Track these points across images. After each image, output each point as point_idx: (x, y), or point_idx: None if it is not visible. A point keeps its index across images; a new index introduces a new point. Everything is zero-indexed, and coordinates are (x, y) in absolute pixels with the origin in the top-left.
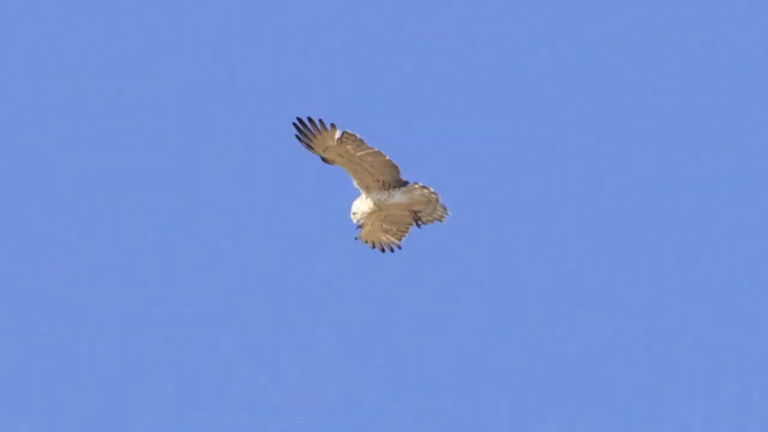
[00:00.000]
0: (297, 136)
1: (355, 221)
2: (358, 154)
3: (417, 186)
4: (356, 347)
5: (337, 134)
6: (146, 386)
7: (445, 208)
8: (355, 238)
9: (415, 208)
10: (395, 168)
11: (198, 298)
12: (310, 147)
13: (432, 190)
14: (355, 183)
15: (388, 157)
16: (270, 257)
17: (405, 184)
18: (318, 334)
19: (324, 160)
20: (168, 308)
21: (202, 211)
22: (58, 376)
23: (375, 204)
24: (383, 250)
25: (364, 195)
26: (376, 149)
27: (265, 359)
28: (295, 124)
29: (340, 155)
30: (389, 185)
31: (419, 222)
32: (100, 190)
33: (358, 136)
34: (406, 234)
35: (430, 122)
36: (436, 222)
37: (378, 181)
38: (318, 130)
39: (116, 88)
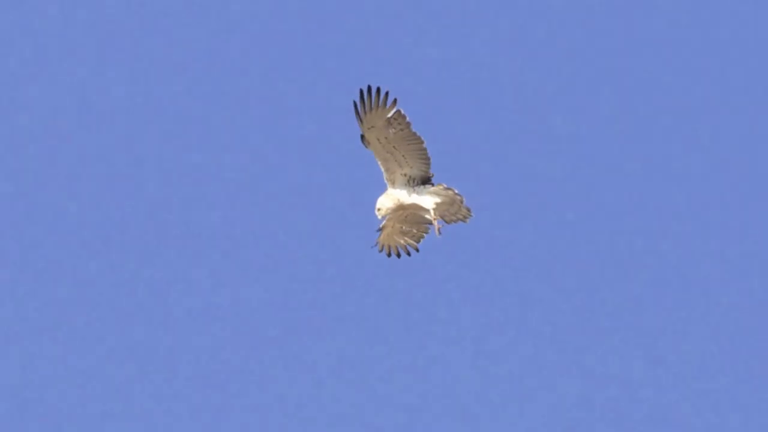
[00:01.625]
0: (355, 104)
1: (379, 217)
2: (397, 138)
3: (441, 187)
4: (373, 350)
5: (391, 112)
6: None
7: (468, 210)
8: (372, 247)
9: (438, 211)
10: (426, 162)
11: (208, 299)
12: (360, 120)
13: (456, 191)
14: (384, 175)
15: (424, 145)
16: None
17: (429, 180)
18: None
19: (362, 139)
20: (178, 317)
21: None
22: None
23: (399, 199)
24: (399, 255)
25: (389, 189)
26: (418, 134)
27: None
28: (361, 90)
29: (379, 140)
30: (415, 181)
31: (440, 230)
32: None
33: (407, 118)
34: (425, 236)
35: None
36: (460, 222)
37: (405, 175)
38: (377, 103)
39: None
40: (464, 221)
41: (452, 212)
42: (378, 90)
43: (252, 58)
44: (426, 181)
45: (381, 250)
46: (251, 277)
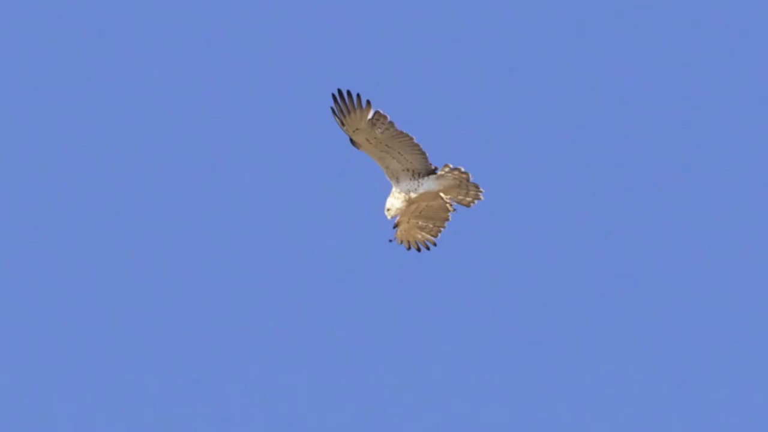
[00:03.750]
0: (332, 109)
1: (389, 217)
2: (387, 137)
3: (447, 169)
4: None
5: (370, 114)
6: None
7: (477, 187)
8: (390, 240)
9: (447, 196)
10: (423, 155)
11: (217, 295)
12: (342, 124)
13: (463, 170)
14: (385, 174)
15: (415, 141)
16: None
17: (434, 171)
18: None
19: (352, 142)
20: (192, 311)
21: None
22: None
23: (406, 195)
24: (419, 249)
25: (395, 189)
26: (405, 132)
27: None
28: (333, 96)
29: (368, 140)
30: (418, 174)
31: (453, 207)
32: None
33: (388, 118)
34: (442, 230)
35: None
36: (476, 201)
37: (407, 170)
38: (353, 106)
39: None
40: (478, 198)
41: (462, 195)
42: (349, 93)
43: (247, 59)
44: (430, 173)
45: (400, 243)
46: (254, 277)
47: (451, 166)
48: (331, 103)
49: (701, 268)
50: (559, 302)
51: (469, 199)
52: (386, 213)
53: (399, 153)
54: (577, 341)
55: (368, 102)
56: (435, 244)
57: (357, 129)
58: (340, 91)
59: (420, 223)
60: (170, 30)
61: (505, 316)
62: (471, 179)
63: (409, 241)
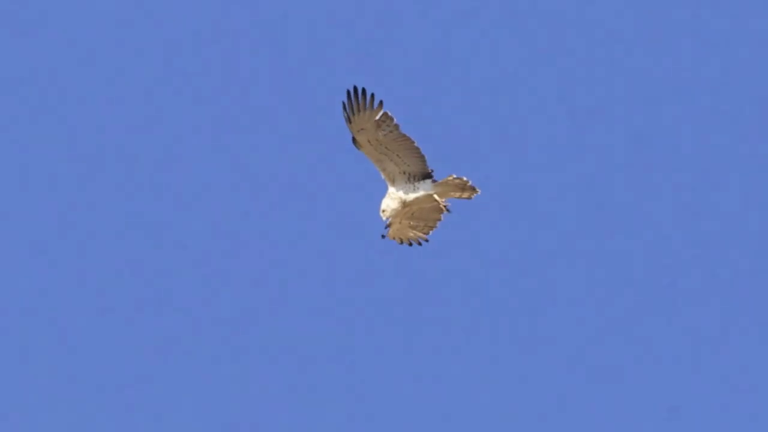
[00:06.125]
0: (343, 104)
1: (384, 218)
2: (388, 140)
3: (451, 178)
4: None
5: (378, 114)
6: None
7: (474, 188)
8: (383, 236)
9: (442, 199)
10: (422, 158)
11: (217, 293)
12: (349, 121)
13: (465, 178)
14: (381, 175)
15: (416, 144)
16: (299, 253)
17: (431, 175)
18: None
19: (354, 142)
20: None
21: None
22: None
23: (402, 197)
24: (410, 245)
25: (391, 190)
26: (407, 135)
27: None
28: (348, 92)
29: (370, 142)
30: (415, 177)
31: (448, 209)
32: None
33: (395, 120)
34: (434, 229)
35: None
36: (464, 199)
37: (404, 173)
38: (365, 105)
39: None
40: (469, 198)
41: (458, 194)
42: (363, 91)
43: (248, 58)
44: (427, 176)
45: (392, 239)
46: (252, 277)
47: (455, 176)
48: (341, 100)
49: (699, 267)
50: (557, 302)
51: (466, 195)
52: (381, 214)
53: (397, 156)
54: (573, 338)
55: (380, 102)
56: (427, 241)
57: (362, 129)
58: (355, 88)
59: (412, 223)
60: (178, 26)
61: (500, 313)
62: (470, 183)
63: (401, 238)
